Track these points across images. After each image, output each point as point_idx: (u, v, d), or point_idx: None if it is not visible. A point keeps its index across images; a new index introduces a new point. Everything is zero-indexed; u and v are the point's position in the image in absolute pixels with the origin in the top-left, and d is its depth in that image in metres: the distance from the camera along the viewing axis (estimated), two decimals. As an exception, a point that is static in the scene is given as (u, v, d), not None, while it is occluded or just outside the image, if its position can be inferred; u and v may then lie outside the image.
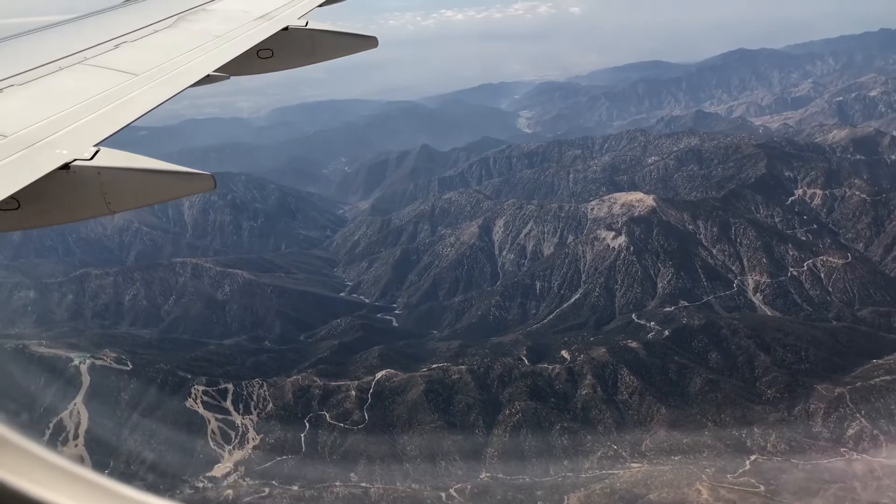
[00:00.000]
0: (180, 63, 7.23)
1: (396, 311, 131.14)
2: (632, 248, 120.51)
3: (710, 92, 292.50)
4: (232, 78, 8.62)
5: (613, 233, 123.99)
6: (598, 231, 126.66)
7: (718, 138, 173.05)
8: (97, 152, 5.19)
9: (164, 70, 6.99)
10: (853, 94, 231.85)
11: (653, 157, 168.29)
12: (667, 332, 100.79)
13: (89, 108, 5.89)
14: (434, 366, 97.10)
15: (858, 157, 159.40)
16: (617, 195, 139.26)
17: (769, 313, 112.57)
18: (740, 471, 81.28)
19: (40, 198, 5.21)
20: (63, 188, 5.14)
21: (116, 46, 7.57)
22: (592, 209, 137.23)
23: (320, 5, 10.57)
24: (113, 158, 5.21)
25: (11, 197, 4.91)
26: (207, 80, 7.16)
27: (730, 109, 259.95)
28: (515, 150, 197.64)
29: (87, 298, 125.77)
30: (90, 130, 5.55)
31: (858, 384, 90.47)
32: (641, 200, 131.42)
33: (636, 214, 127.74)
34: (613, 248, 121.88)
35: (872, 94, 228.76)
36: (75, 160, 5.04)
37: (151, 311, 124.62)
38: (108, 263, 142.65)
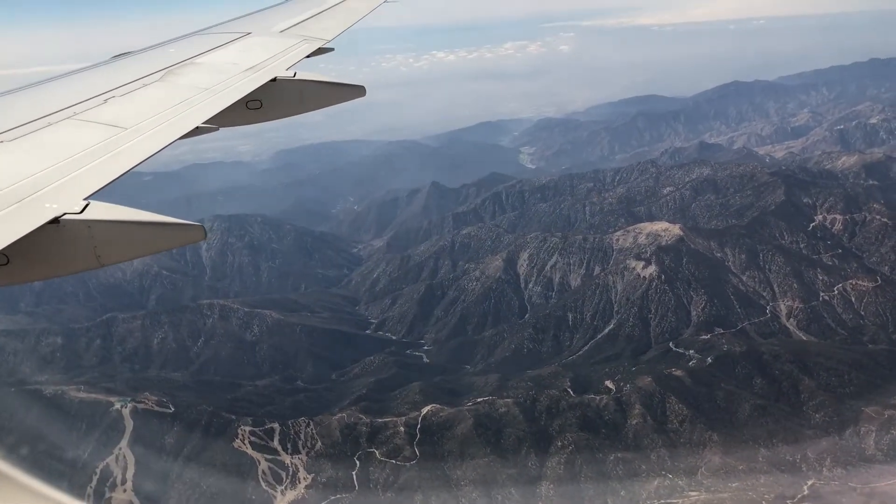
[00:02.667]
0: (169, 116, 7.36)
1: (426, 347, 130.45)
2: (663, 276, 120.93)
3: (708, 124, 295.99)
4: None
5: (643, 262, 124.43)
6: (628, 261, 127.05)
7: (730, 168, 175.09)
8: (87, 206, 5.21)
9: (153, 123, 7.11)
10: (853, 122, 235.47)
11: (668, 188, 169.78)
12: (709, 360, 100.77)
13: (79, 162, 5.98)
14: (479, 399, 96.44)
15: (871, 182, 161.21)
16: (642, 225, 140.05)
17: (804, 338, 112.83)
18: (799, 496, 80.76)
19: (30, 252, 5.24)
20: (53, 242, 5.17)
21: (105, 101, 7.70)
22: (617, 239, 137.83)
23: (308, 56, 10.72)
24: (103, 211, 5.21)
25: (0, 252, 4.96)
26: (196, 132, 7.27)
27: (731, 140, 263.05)
28: (527, 185, 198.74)
29: (115, 343, 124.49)
30: (80, 184, 5.63)
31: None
32: (668, 230, 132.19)
33: (664, 243, 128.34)
34: (644, 277, 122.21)
35: (872, 121, 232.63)
36: (65, 214, 5.08)
37: (181, 353, 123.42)
38: (129, 308, 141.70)
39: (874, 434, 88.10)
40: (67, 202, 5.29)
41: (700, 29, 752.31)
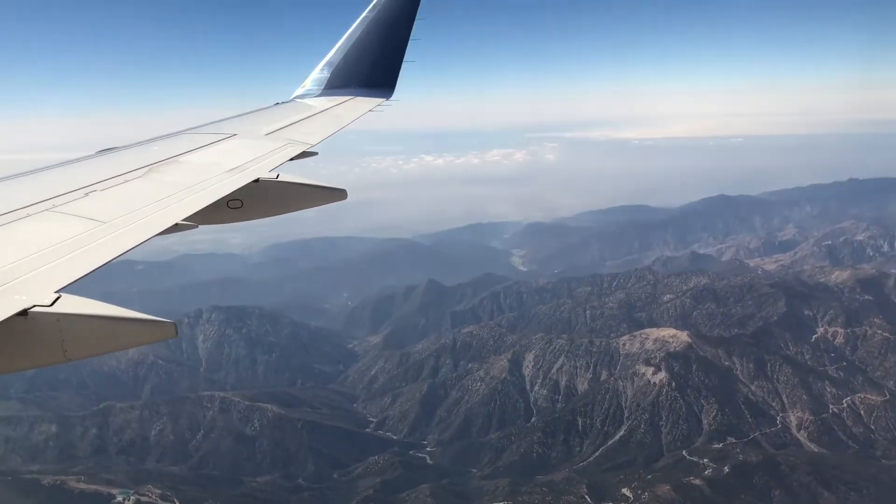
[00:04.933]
0: (149, 212, 7.38)
1: (429, 448, 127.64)
2: (673, 383, 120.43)
3: (696, 235, 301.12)
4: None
5: (653, 368, 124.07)
6: (637, 366, 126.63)
7: (728, 278, 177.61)
8: (58, 298, 5.18)
9: (132, 218, 7.10)
10: (841, 239, 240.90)
11: (668, 295, 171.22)
12: (727, 469, 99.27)
13: (54, 255, 5.94)
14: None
15: (867, 297, 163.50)
16: (648, 331, 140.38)
17: (816, 450, 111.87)
18: None
19: None
20: (19, 335, 5.11)
21: (86, 195, 7.72)
22: (624, 344, 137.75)
23: (291, 159, 10.88)
24: (73, 305, 5.17)
25: None
26: (175, 228, 7.26)
27: (720, 251, 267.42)
28: (524, 286, 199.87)
29: (111, 433, 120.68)
30: (52, 276, 5.57)
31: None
32: (675, 336, 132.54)
33: (672, 350, 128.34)
34: (654, 383, 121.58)
35: (859, 238, 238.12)
36: (34, 306, 5.05)
37: (179, 446, 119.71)
38: (123, 396, 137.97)
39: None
40: (38, 294, 5.22)
41: (680, 144, 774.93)
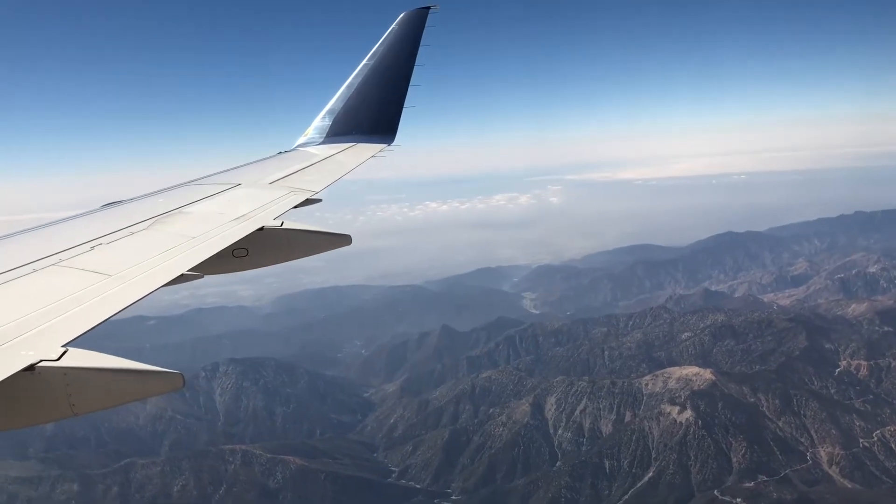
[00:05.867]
0: (154, 263, 7.43)
1: (454, 497, 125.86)
2: (700, 422, 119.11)
3: (707, 272, 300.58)
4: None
5: (678, 407, 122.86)
6: (662, 406, 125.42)
7: (745, 314, 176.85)
8: (65, 353, 5.19)
9: (138, 270, 7.15)
10: (853, 271, 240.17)
11: (686, 333, 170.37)
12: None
13: (60, 309, 5.97)
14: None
15: (887, 328, 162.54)
16: (671, 370, 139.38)
17: (849, 486, 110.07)
18: None
19: (2, 400, 5.19)
20: (26, 390, 5.12)
21: (92, 248, 7.80)
22: (647, 384, 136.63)
23: (295, 207, 11.03)
24: (80, 359, 5.18)
25: None
26: (181, 279, 7.31)
27: (732, 288, 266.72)
28: (539, 329, 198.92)
29: (133, 490, 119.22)
30: (59, 331, 5.57)
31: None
32: (699, 374, 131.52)
33: (696, 388, 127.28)
34: (681, 422, 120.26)
35: (871, 270, 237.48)
36: (41, 361, 5.05)
37: (202, 501, 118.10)
38: (142, 452, 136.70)
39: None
40: (45, 349, 5.21)
41: (682, 183, 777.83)
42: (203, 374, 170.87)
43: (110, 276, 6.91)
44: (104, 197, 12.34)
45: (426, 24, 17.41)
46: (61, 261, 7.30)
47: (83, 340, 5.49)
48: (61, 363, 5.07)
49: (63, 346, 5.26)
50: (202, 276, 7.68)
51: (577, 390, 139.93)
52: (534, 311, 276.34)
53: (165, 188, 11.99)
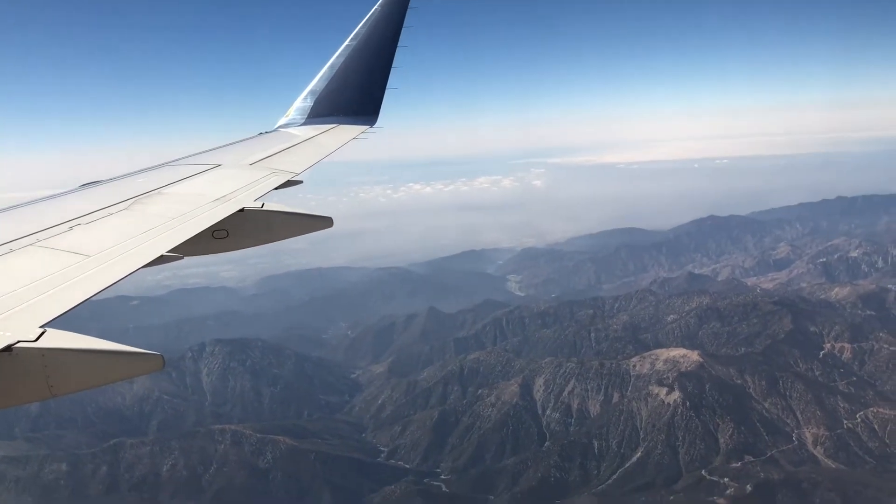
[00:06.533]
0: (134, 244, 7.37)
1: (443, 476, 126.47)
2: (688, 403, 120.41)
3: (690, 256, 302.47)
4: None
5: (666, 388, 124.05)
6: (650, 387, 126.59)
7: (729, 297, 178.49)
8: (43, 333, 5.11)
9: (117, 251, 7.08)
10: (835, 256, 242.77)
11: (672, 316, 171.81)
12: (749, 488, 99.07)
13: (38, 289, 5.89)
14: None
15: (869, 312, 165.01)
16: (658, 351, 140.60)
17: (833, 466, 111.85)
18: None
19: None
20: (4, 371, 5.01)
21: (70, 228, 7.69)
22: (634, 365, 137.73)
23: (276, 188, 11.02)
24: (58, 339, 5.09)
25: None
26: (161, 260, 7.29)
27: (715, 271, 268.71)
28: (525, 311, 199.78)
29: (122, 470, 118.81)
30: (37, 311, 5.53)
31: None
32: (686, 356, 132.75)
33: (684, 370, 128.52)
34: (669, 403, 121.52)
35: (853, 255, 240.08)
36: (18, 342, 4.96)
37: (192, 481, 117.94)
38: (129, 433, 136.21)
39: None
40: (22, 330, 5.14)
41: (665, 167, 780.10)
42: (190, 354, 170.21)
43: (89, 256, 6.83)
44: (82, 177, 12.23)
45: (409, 6, 17.27)
46: (39, 241, 7.18)
47: (63, 321, 5.44)
48: (39, 344, 4.98)
49: (41, 327, 5.19)
50: (182, 258, 7.65)
51: (565, 371, 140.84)
52: (519, 293, 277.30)
53: (145, 168, 11.89)
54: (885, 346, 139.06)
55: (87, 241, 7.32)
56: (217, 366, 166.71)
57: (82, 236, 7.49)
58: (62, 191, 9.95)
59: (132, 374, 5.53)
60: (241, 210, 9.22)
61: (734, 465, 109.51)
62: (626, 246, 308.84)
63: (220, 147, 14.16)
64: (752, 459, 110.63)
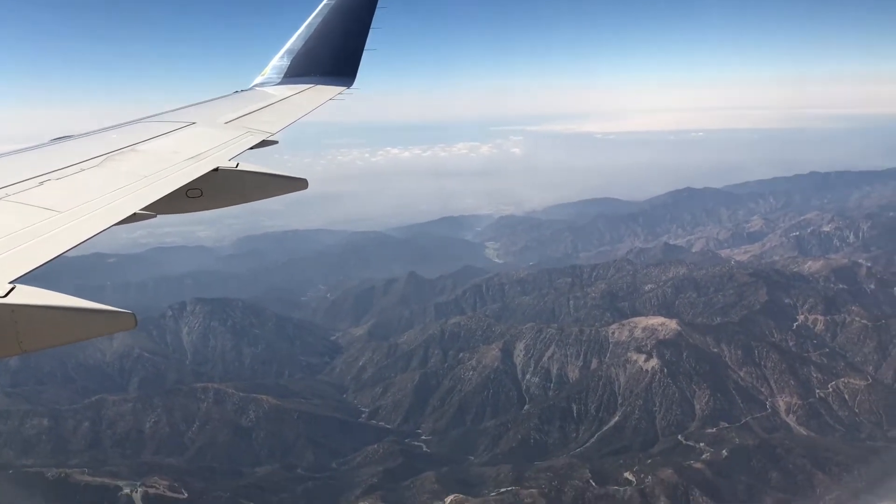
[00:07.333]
0: (107, 201, 7.22)
1: (424, 437, 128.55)
2: (665, 370, 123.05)
3: (665, 227, 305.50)
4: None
5: (645, 355, 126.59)
6: (629, 354, 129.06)
7: (705, 268, 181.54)
8: (12, 289, 5.03)
9: (89, 208, 6.92)
10: (808, 230, 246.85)
11: (649, 285, 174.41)
12: (725, 453, 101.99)
13: (7, 245, 5.75)
14: (503, 490, 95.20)
15: (841, 286, 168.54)
16: (637, 319, 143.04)
17: (805, 434, 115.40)
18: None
19: None
20: None
21: (41, 184, 7.49)
22: (613, 333, 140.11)
23: (253, 147, 10.99)
24: (29, 296, 5.01)
25: None
26: (133, 218, 7.23)
27: (689, 242, 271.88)
28: (505, 278, 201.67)
29: (104, 426, 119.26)
30: (6, 267, 5.41)
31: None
32: (664, 324, 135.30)
33: (662, 338, 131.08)
34: (647, 370, 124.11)
35: (825, 229, 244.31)
36: None
37: (175, 438, 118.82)
38: (110, 389, 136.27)
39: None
40: None
41: (641, 138, 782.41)
42: (170, 312, 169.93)
43: (60, 212, 6.73)
44: (52, 131, 12.07)
45: None
46: (8, 196, 7.04)
47: (37, 278, 5.41)
48: (8, 300, 4.92)
49: (11, 283, 5.13)
50: (155, 216, 7.61)
51: (545, 337, 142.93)
52: (497, 260, 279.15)
53: (117, 124, 11.73)
54: (857, 318, 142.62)
55: (59, 196, 7.20)
56: (198, 325, 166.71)
57: (53, 192, 7.35)
58: (32, 144, 9.78)
59: (104, 332, 5.52)
60: (216, 169, 9.19)
61: (709, 430, 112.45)
62: (603, 216, 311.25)
63: (195, 105, 13.97)
64: (727, 426, 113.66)
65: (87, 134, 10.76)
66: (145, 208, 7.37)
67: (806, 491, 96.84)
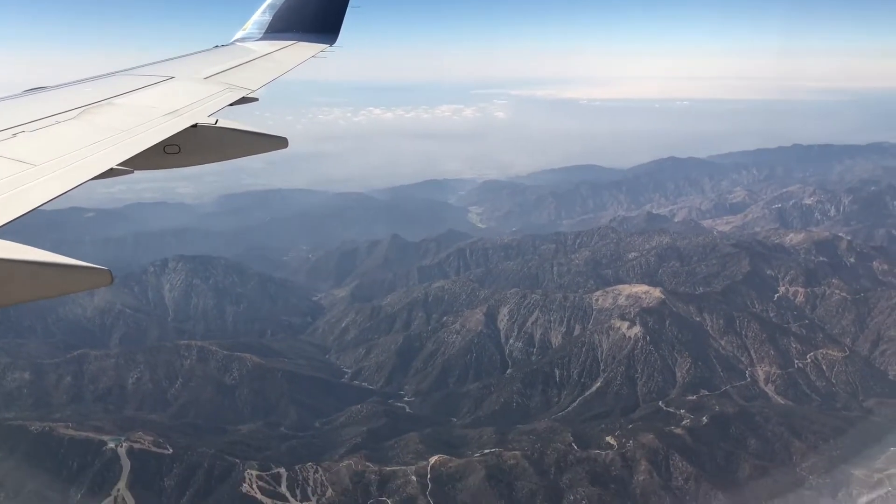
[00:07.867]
0: (83, 155, 7.04)
1: (407, 399, 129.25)
2: (648, 337, 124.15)
3: (648, 195, 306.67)
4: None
5: (628, 322, 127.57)
6: (612, 321, 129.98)
7: (688, 237, 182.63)
8: None
9: (65, 162, 6.76)
10: (790, 202, 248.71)
11: (632, 253, 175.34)
12: (705, 419, 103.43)
13: None
14: (486, 451, 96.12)
15: (821, 258, 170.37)
16: (621, 287, 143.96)
17: (782, 402, 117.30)
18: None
19: None
20: None
21: (14, 136, 7.33)
22: (597, 299, 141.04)
23: (232, 104, 10.87)
24: (3, 250, 4.96)
25: None
26: (110, 173, 7.12)
27: (672, 212, 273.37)
28: (489, 243, 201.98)
29: (86, 381, 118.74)
30: None
31: (892, 470, 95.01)
32: (648, 292, 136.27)
33: (645, 305, 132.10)
34: (629, 337, 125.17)
35: (807, 202, 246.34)
36: None
37: (158, 394, 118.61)
38: (91, 345, 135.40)
39: (864, 496, 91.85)
40: None
41: (626, 106, 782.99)
42: (152, 269, 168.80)
43: (35, 165, 6.59)
44: (26, 82, 11.81)
45: None
46: None
47: (12, 231, 5.30)
48: None
49: None
50: (132, 171, 7.53)
51: (529, 302, 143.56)
52: (480, 225, 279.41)
53: (94, 76, 11.46)
54: (836, 291, 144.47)
55: (33, 149, 7.04)
56: (180, 282, 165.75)
57: (27, 144, 7.20)
58: (3, 95, 9.54)
59: (79, 289, 5.42)
60: (195, 126, 9.05)
61: (690, 397, 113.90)
62: (587, 183, 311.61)
63: (174, 59, 13.67)
64: (707, 393, 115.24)
65: (62, 86, 10.51)
66: (123, 164, 7.24)
67: (783, 458, 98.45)
